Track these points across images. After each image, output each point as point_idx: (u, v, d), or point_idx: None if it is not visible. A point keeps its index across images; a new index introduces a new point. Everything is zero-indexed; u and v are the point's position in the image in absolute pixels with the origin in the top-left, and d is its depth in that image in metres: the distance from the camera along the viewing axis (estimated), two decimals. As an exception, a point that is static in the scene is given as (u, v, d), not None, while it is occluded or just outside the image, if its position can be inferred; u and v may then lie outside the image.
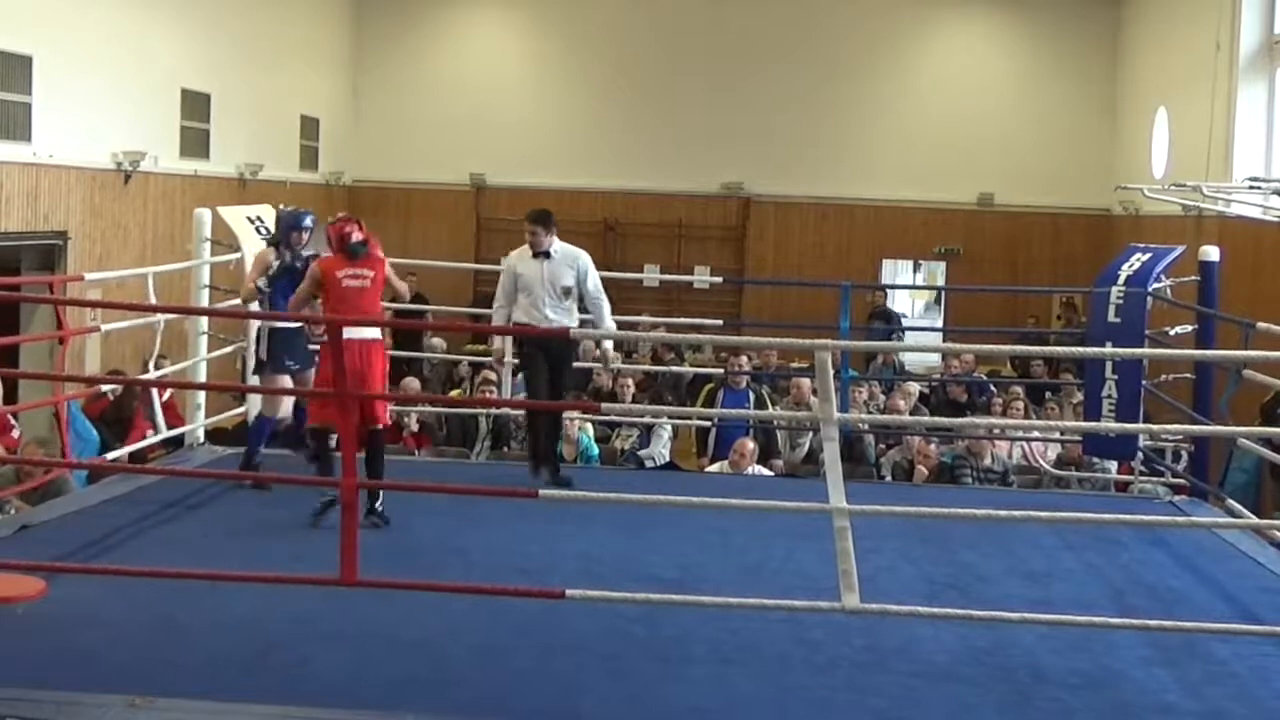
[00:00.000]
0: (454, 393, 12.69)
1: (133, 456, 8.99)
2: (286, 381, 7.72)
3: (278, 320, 7.58)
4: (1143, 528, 7.13)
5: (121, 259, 12.81)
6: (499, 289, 8.21)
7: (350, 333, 6.54)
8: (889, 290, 18.78)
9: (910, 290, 20.92)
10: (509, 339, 8.60)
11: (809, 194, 18.85)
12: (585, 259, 8.17)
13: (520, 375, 8.69)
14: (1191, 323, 8.22)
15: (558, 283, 8.01)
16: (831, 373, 4.99)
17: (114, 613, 5.19)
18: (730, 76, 18.96)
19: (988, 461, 9.64)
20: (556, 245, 8.10)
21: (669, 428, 10.40)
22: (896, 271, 19.77)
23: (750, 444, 9.22)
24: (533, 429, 8.31)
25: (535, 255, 8.03)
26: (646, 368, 13.10)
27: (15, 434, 9.42)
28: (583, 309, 8.36)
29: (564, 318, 8.05)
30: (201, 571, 5.39)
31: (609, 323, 8.24)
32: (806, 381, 10.71)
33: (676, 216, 18.86)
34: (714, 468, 9.62)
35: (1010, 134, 18.73)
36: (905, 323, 17.81)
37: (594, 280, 8.16)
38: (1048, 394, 12.95)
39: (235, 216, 8.76)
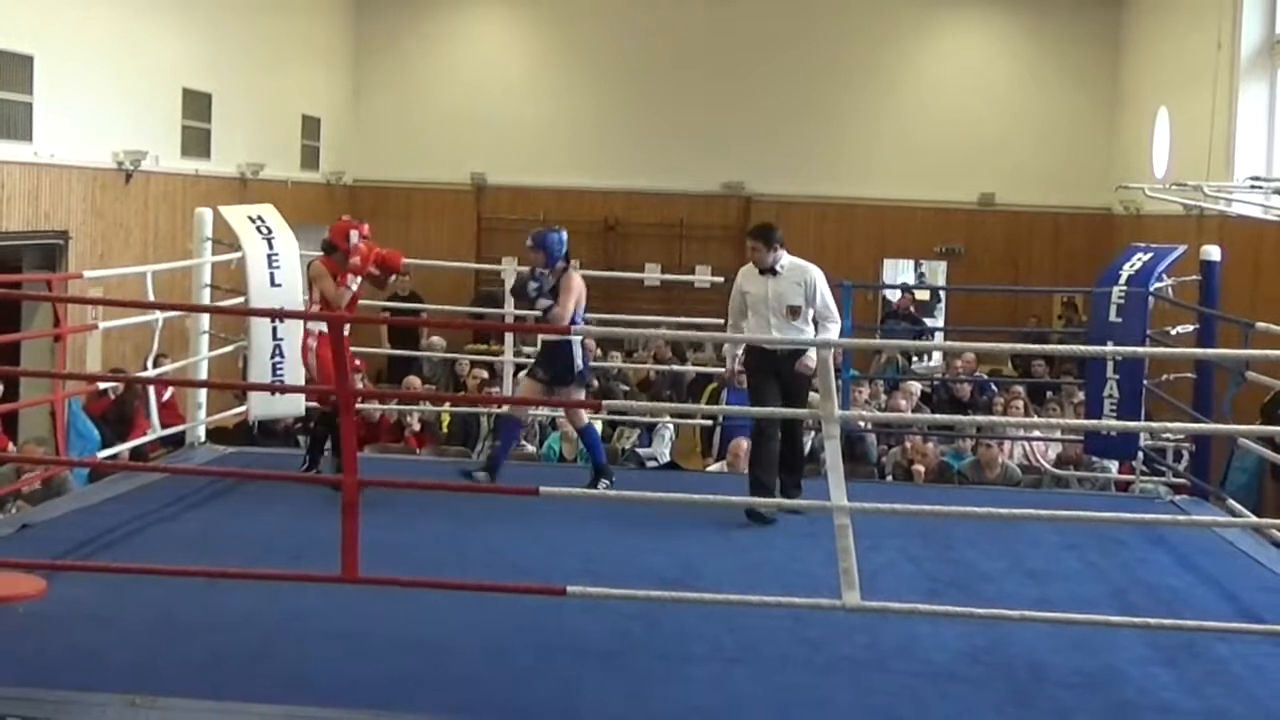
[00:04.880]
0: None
1: (133, 455, 9.00)
2: (537, 390, 7.96)
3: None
4: (1143, 527, 7.13)
5: (123, 259, 12.80)
6: (729, 306, 7.60)
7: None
8: (914, 290, 18.82)
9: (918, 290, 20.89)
10: (739, 354, 7.66)
11: (810, 193, 18.85)
12: (814, 274, 7.40)
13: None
14: (1193, 322, 8.22)
15: (783, 302, 7.31)
16: (833, 371, 4.99)
17: (114, 612, 5.19)
18: (731, 76, 18.95)
19: (996, 473, 9.55)
20: (785, 261, 7.40)
21: (670, 427, 10.42)
22: (897, 271, 19.77)
23: (745, 443, 9.21)
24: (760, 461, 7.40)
25: (761, 272, 7.39)
26: (650, 366, 13.12)
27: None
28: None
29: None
30: (202, 570, 5.39)
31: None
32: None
33: (677, 216, 18.87)
34: (715, 467, 9.64)
35: (1011, 134, 18.72)
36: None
37: (824, 297, 7.39)
38: (1049, 393, 12.96)
39: (236, 216, 8.77)
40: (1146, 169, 16.15)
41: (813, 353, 7.08)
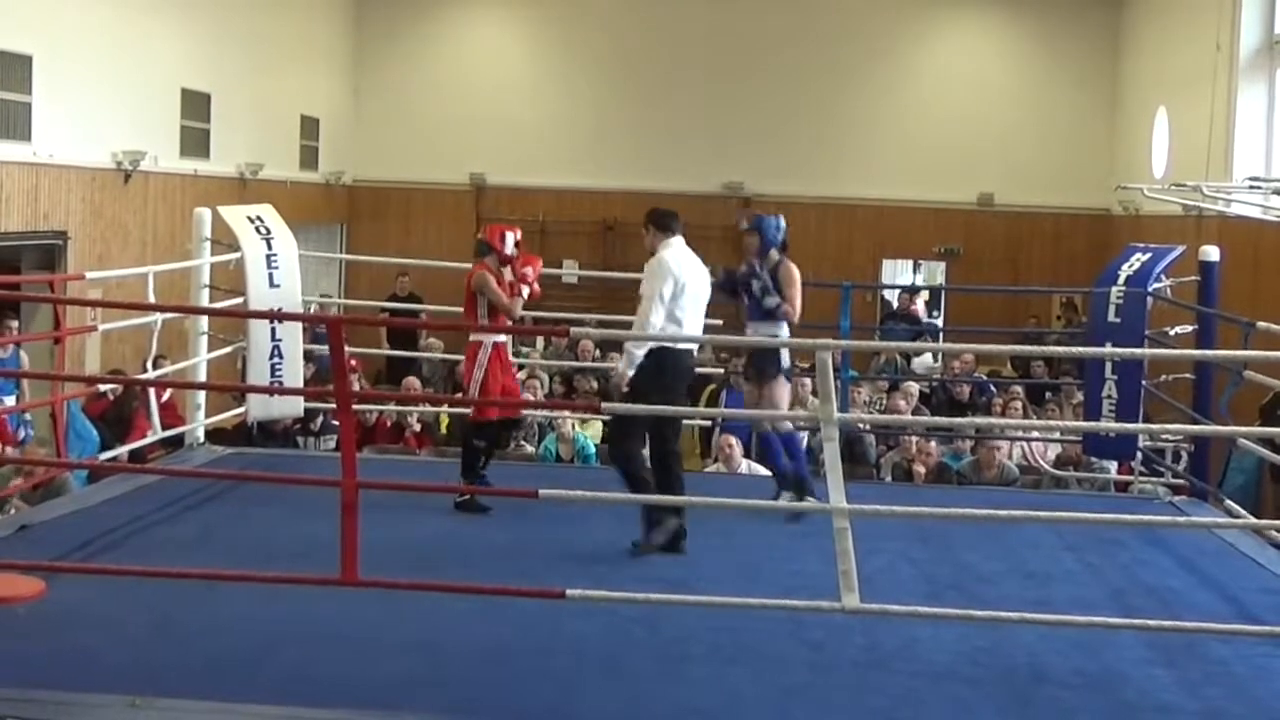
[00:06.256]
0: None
1: (133, 456, 9.00)
2: (752, 392, 7.55)
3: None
4: (1142, 528, 7.14)
5: (121, 259, 12.80)
6: None
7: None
8: (915, 291, 18.81)
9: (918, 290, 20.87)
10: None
11: (809, 194, 18.83)
12: (653, 259, 6.65)
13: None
14: (1191, 323, 8.22)
15: None
16: (832, 372, 4.99)
17: (114, 613, 5.19)
18: (730, 76, 18.94)
19: (994, 473, 9.55)
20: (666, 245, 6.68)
21: (668, 428, 10.39)
22: (897, 271, 19.77)
23: (732, 439, 9.21)
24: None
25: None
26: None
27: (27, 432, 9.46)
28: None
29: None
30: (201, 571, 5.39)
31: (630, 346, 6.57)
32: (806, 382, 10.73)
33: (677, 216, 18.84)
34: (714, 468, 9.63)
35: (1010, 134, 18.71)
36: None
37: (644, 287, 6.58)
38: (1047, 394, 12.95)
39: (235, 216, 8.77)
40: (1146, 169, 16.15)
41: (622, 366, 6.51)
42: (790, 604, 5.18)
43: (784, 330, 7.43)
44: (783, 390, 7.48)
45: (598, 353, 13.48)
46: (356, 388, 10.59)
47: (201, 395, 8.90)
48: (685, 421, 12.02)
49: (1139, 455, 8.69)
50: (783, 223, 7.56)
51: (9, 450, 8.99)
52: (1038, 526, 6.90)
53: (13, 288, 8.14)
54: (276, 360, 8.53)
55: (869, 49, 18.97)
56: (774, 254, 7.49)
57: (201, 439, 8.85)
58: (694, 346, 6.82)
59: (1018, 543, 6.84)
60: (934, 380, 13.30)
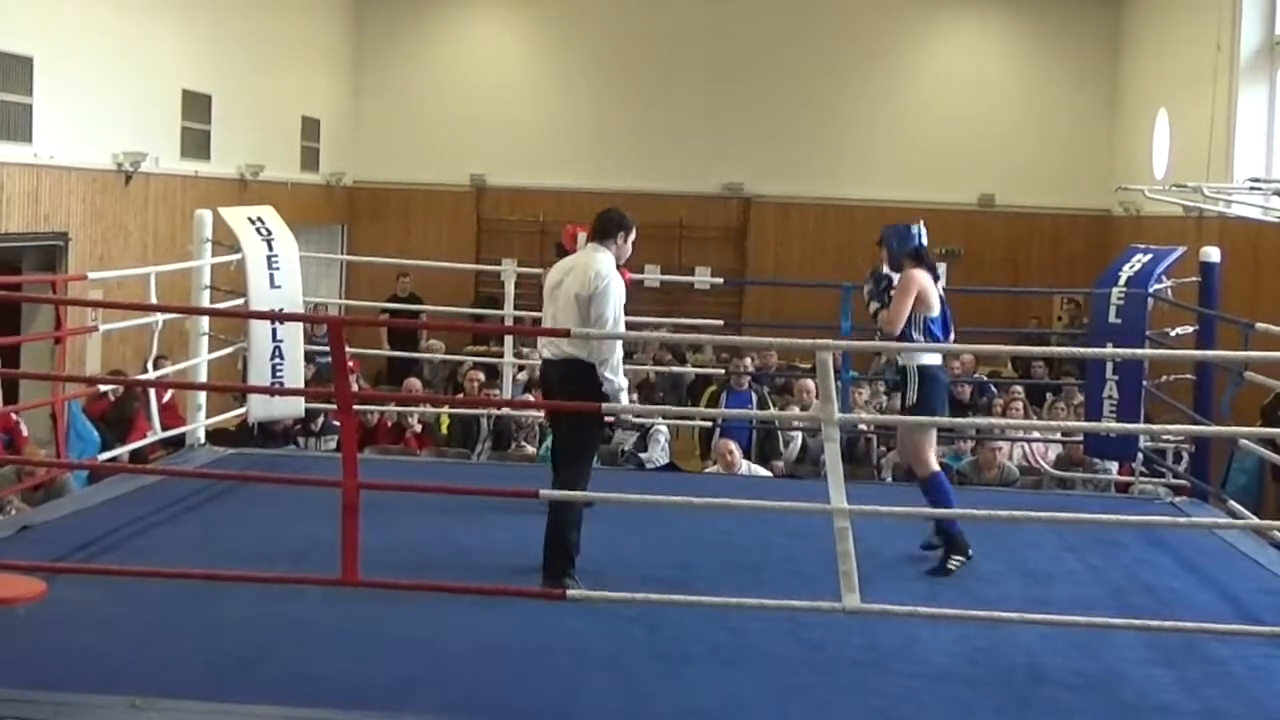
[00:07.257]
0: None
1: (133, 456, 9.00)
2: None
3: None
4: (1143, 528, 7.14)
5: (122, 260, 12.80)
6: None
7: None
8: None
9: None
10: None
11: (809, 194, 18.83)
12: None
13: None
14: (1192, 323, 8.23)
15: None
16: (832, 373, 5.00)
17: (114, 613, 5.20)
18: (731, 76, 18.95)
19: (994, 474, 9.56)
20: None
21: (665, 429, 10.40)
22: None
23: (731, 444, 9.22)
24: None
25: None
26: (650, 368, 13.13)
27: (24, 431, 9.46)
28: None
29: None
30: (201, 571, 5.39)
31: None
32: (809, 383, 10.74)
33: (677, 217, 18.86)
34: (713, 469, 9.64)
35: (1011, 134, 18.71)
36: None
37: None
38: (1048, 394, 12.96)
39: (236, 217, 8.77)
40: (1146, 170, 16.14)
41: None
42: (791, 605, 5.18)
43: (912, 363, 6.61)
44: (921, 433, 6.55)
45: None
46: (355, 389, 10.59)
47: (202, 396, 8.90)
48: (681, 422, 12.07)
49: (1140, 456, 8.69)
50: (914, 229, 6.88)
51: (26, 449, 8.99)
52: (1038, 527, 6.90)
53: (14, 288, 8.15)
54: (277, 361, 8.54)
55: (869, 49, 18.97)
56: (905, 263, 6.94)
57: (202, 439, 8.85)
58: (548, 353, 6.34)
59: (1018, 543, 6.85)
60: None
